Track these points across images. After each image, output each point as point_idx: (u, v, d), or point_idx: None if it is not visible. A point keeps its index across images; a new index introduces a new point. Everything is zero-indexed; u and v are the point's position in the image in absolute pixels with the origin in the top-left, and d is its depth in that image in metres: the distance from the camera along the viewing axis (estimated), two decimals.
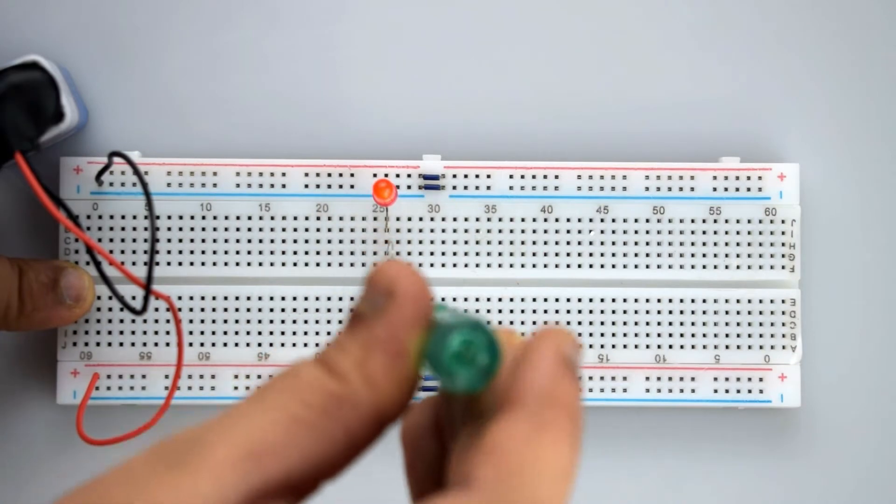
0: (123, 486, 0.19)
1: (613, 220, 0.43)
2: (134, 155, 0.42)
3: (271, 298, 0.43)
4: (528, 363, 0.22)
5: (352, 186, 0.43)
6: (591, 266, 0.43)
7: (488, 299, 0.43)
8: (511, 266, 0.43)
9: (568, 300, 0.43)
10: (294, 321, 0.43)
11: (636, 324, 0.43)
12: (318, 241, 0.43)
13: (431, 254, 0.43)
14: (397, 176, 0.43)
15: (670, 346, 0.43)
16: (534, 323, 0.43)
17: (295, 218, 0.43)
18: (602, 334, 0.43)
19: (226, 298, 0.43)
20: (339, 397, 0.21)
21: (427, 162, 0.43)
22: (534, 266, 0.43)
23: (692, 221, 0.43)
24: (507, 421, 0.21)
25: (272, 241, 0.43)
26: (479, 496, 0.20)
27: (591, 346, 0.43)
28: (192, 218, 0.43)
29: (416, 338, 0.22)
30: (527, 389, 0.21)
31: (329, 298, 0.43)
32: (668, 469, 0.44)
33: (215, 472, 0.19)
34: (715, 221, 0.43)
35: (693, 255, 0.43)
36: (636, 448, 0.44)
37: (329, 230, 0.43)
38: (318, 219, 0.43)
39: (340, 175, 0.43)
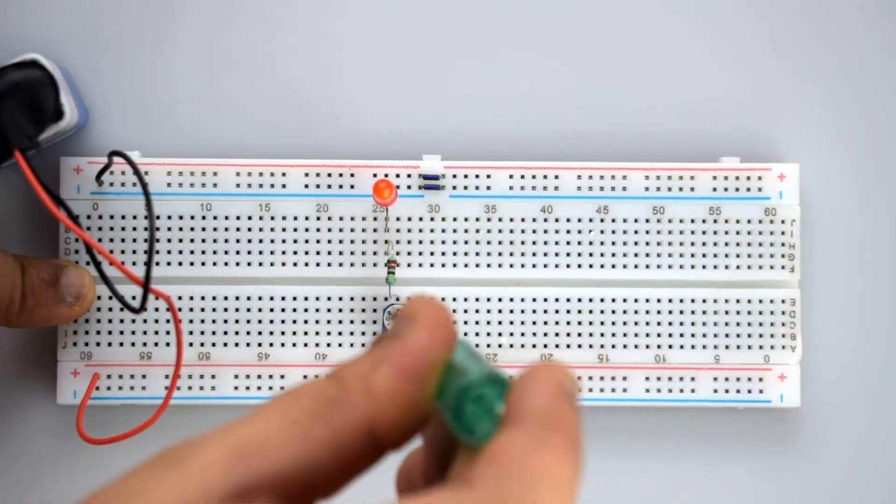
0: (124, 487, 0.20)
1: (613, 220, 0.43)
2: (134, 155, 0.42)
3: (271, 298, 0.43)
4: (526, 388, 0.22)
5: (352, 186, 0.43)
6: (591, 266, 0.43)
7: (488, 299, 0.43)
8: (511, 266, 0.43)
9: (568, 300, 0.43)
10: (294, 321, 0.43)
11: (636, 324, 0.43)
12: (318, 241, 0.43)
13: (431, 254, 0.43)
14: (397, 176, 0.43)
15: (670, 346, 0.43)
16: (534, 323, 0.43)
17: (295, 218, 0.43)
18: (602, 334, 0.43)
19: (226, 298, 0.43)
20: (332, 401, 0.21)
21: (427, 162, 0.43)
22: (534, 266, 0.43)
23: (692, 221, 0.43)
24: (509, 434, 0.21)
25: (272, 241, 0.43)
26: (477, 493, 0.20)
27: (590, 346, 0.43)
28: (192, 218, 0.43)
29: (431, 369, 0.22)
30: (526, 410, 0.21)
31: (329, 298, 0.43)
32: (668, 469, 0.44)
33: (202, 470, 0.20)
34: (715, 221, 0.43)
35: (693, 255, 0.43)
36: (636, 448, 0.44)
37: (329, 230, 0.43)
38: (318, 219, 0.43)
39: (340, 175, 0.43)
